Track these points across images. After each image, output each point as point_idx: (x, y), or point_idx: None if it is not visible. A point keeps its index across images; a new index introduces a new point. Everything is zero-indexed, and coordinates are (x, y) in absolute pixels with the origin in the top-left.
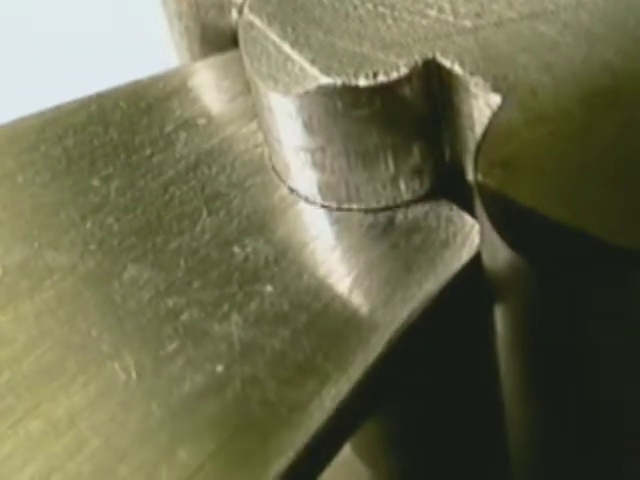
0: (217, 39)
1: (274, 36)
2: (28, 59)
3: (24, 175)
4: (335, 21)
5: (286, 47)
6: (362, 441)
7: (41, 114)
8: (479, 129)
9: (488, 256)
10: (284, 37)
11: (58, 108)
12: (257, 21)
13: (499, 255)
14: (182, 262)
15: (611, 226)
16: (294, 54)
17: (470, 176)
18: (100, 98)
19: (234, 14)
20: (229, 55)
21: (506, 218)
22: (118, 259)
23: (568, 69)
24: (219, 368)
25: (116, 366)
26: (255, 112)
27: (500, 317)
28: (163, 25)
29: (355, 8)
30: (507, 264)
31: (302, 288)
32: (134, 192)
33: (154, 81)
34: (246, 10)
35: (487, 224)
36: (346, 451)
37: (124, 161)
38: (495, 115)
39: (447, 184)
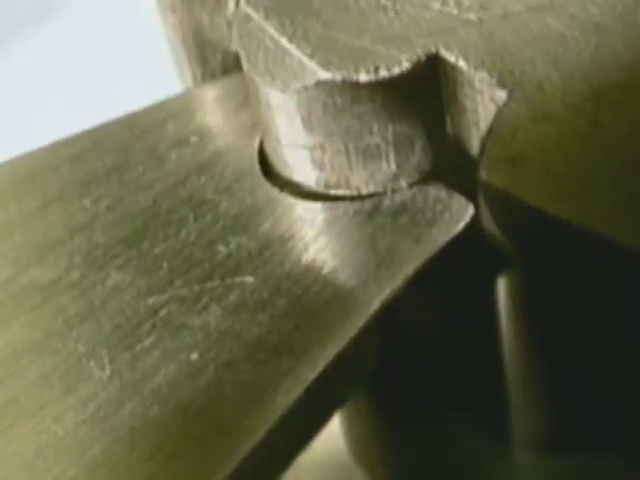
0: (212, 33)
1: (271, 30)
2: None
3: (17, 203)
4: (335, 14)
5: (284, 41)
6: (360, 446)
7: (37, 150)
8: (484, 125)
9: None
10: (282, 31)
11: (54, 143)
12: (254, 14)
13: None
14: (165, 264)
15: (620, 225)
16: (292, 48)
17: (474, 173)
18: (96, 130)
19: (230, 7)
20: (225, 80)
21: (511, 217)
22: (102, 268)
23: (576, 63)
24: (194, 356)
25: (92, 364)
26: (247, 126)
27: (503, 300)
28: (157, 18)
29: (356, 0)
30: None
31: (284, 275)
32: (123, 207)
33: (149, 109)
34: (242, 3)
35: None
36: (344, 456)
37: (116, 182)
38: (500, 111)
39: (449, 180)
